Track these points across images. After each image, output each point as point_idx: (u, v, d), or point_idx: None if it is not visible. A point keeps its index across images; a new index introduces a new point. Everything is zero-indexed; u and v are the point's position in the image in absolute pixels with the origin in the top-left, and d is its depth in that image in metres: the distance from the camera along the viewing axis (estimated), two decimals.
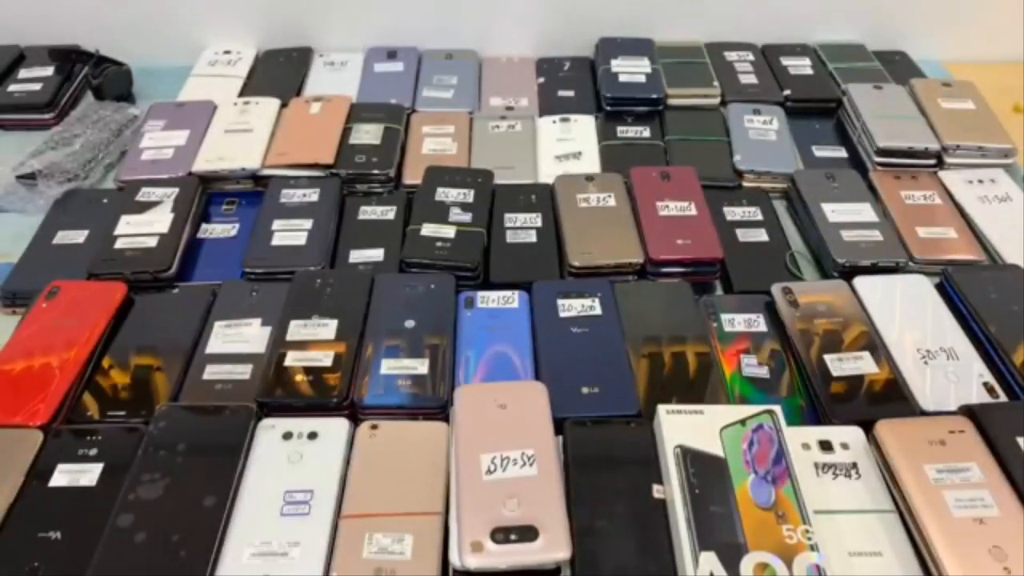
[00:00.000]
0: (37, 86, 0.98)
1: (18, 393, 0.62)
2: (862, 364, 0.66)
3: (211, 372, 0.66)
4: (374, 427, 0.60)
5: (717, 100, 0.98)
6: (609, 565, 0.51)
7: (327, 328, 0.68)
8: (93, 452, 0.58)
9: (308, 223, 0.79)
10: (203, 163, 0.86)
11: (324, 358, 0.65)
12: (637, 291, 0.74)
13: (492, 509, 0.51)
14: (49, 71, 1.00)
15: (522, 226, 0.80)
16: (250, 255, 0.76)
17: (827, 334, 0.68)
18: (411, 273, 0.75)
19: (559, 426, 0.59)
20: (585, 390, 0.63)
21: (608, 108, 0.97)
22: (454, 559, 0.50)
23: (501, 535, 0.50)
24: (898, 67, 1.05)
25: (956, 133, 0.89)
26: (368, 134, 0.90)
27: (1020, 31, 1.07)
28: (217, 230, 0.82)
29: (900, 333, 0.69)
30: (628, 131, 0.94)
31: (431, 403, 0.62)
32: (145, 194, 0.82)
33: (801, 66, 1.03)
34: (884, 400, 0.63)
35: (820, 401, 0.63)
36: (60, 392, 0.63)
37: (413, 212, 0.80)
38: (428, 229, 0.77)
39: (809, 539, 0.50)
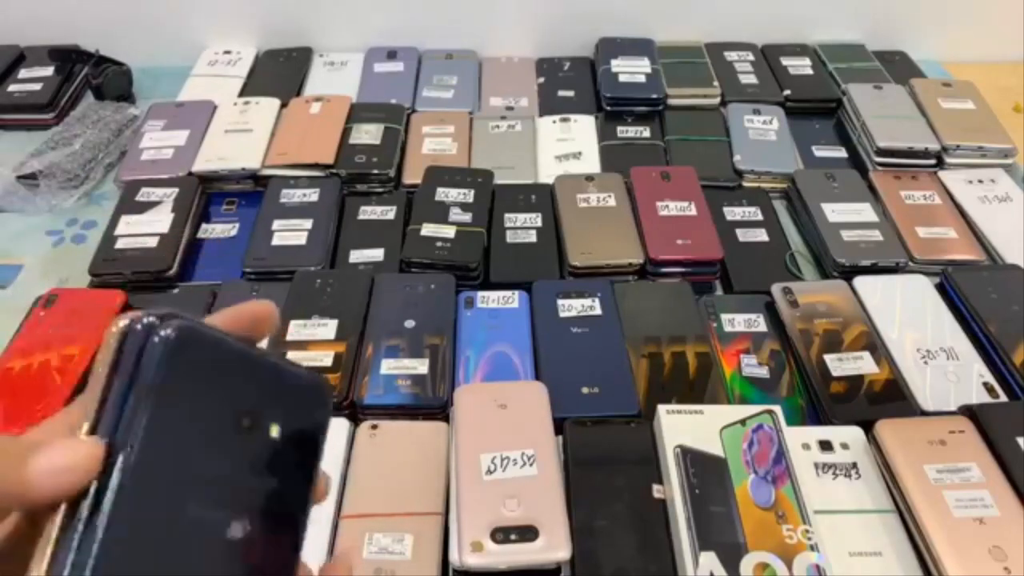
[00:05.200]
0: (37, 86, 0.98)
1: (18, 401, 0.62)
2: (862, 364, 0.66)
3: None
4: (374, 427, 0.60)
5: (717, 100, 0.98)
6: (609, 565, 0.51)
7: (327, 328, 0.68)
8: None
9: (308, 223, 0.79)
10: (203, 163, 0.86)
11: (324, 358, 0.65)
12: (637, 291, 0.74)
13: (492, 509, 0.51)
14: (49, 71, 1.00)
15: (522, 226, 0.80)
16: (250, 255, 0.76)
17: (827, 334, 0.68)
18: (411, 273, 0.75)
19: (559, 426, 0.59)
20: (585, 390, 0.63)
21: (608, 108, 0.97)
22: (454, 559, 0.50)
23: (501, 535, 0.50)
24: (898, 67, 1.05)
25: (956, 133, 0.89)
26: (368, 134, 0.90)
27: (1020, 31, 1.07)
28: (217, 230, 0.82)
29: (900, 333, 0.69)
30: (628, 131, 0.94)
31: (431, 403, 0.62)
32: (145, 194, 0.82)
33: (801, 66, 1.03)
34: (884, 400, 0.63)
35: (820, 401, 0.63)
36: (59, 402, 0.62)
37: (413, 212, 0.80)
38: (428, 229, 0.77)
39: (809, 539, 0.50)
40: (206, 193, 0.85)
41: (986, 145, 0.88)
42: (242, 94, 0.99)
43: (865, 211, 0.81)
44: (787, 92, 0.98)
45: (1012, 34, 1.07)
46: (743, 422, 0.57)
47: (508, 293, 0.72)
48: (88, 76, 0.99)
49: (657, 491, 0.55)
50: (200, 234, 0.81)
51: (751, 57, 1.04)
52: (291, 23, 1.06)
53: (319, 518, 0.54)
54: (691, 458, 0.55)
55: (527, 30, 1.07)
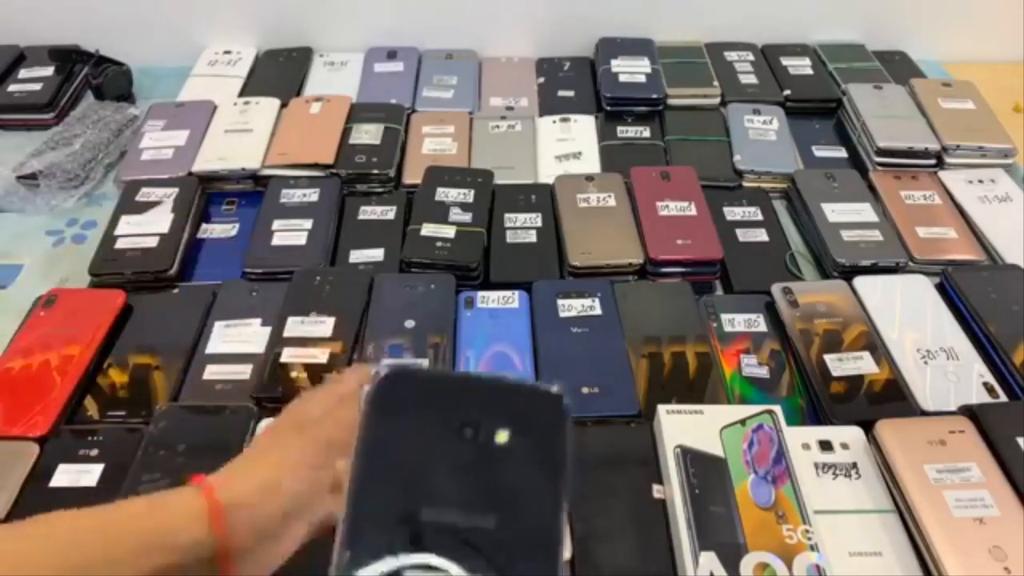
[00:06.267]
0: (37, 86, 0.98)
1: (17, 403, 0.62)
2: (862, 364, 0.66)
3: (211, 372, 0.66)
4: None
5: (717, 100, 0.98)
6: (609, 565, 0.51)
7: (324, 326, 0.68)
8: (94, 452, 0.58)
9: (308, 223, 0.79)
10: (203, 163, 0.86)
11: (321, 355, 0.65)
12: (637, 291, 0.74)
13: None
14: (49, 71, 1.00)
15: (522, 226, 0.80)
16: (250, 255, 0.76)
17: (827, 334, 0.68)
18: (411, 273, 0.75)
19: None
20: (585, 390, 0.63)
21: (608, 108, 0.97)
22: None
23: None
24: (898, 67, 1.05)
25: (956, 133, 0.89)
26: (368, 134, 0.90)
27: (1020, 31, 1.06)
28: (217, 230, 0.82)
29: (900, 333, 0.69)
30: (628, 131, 0.94)
31: None
32: (145, 194, 0.82)
33: (801, 66, 1.03)
34: (884, 400, 0.63)
35: (820, 401, 0.63)
36: (59, 403, 0.62)
37: (413, 212, 0.80)
38: (428, 229, 0.77)
39: (809, 539, 0.50)
40: (206, 193, 0.85)
41: (986, 145, 0.88)
42: (242, 94, 0.99)
43: (865, 211, 0.81)
44: (787, 92, 0.98)
45: (1012, 34, 1.07)
46: (743, 422, 0.57)
47: (508, 293, 0.72)
48: (88, 76, 0.99)
49: (657, 491, 0.55)
50: (200, 234, 0.81)
51: (751, 57, 1.04)
52: (291, 23, 1.06)
53: None
54: (691, 458, 0.55)
55: (527, 30, 1.07)
